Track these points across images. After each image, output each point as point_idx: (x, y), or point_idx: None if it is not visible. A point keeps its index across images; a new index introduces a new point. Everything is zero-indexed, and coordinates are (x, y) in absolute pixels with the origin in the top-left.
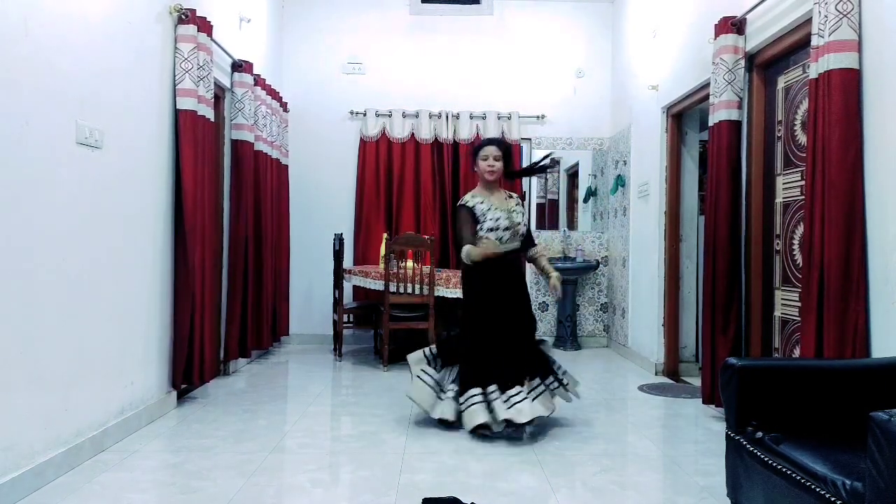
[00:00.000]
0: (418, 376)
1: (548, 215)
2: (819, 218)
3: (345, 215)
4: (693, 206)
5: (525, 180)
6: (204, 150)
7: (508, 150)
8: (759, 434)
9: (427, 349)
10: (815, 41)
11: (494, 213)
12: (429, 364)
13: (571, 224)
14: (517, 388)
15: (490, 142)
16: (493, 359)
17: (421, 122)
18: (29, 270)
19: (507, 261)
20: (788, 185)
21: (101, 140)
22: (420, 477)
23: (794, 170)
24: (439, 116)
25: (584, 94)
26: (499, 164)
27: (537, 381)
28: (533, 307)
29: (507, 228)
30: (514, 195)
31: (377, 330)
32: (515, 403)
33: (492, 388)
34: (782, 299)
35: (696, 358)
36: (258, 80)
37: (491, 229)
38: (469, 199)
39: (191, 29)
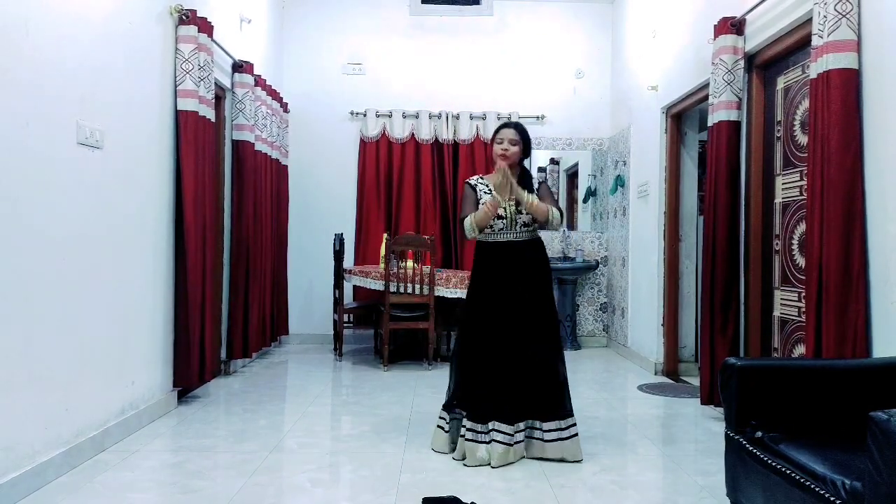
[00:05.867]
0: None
1: None
2: (819, 217)
3: (345, 215)
4: (692, 206)
5: None
6: (204, 151)
7: (526, 135)
8: (759, 434)
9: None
10: (814, 41)
11: (488, 198)
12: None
13: (571, 224)
14: (502, 426)
15: (507, 125)
16: (486, 384)
17: (421, 122)
18: (29, 270)
19: (512, 249)
20: (787, 186)
21: (101, 140)
22: (420, 477)
23: (793, 170)
24: (439, 117)
25: (584, 95)
26: (514, 149)
27: (532, 423)
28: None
29: (500, 217)
30: (537, 183)
31: (377, 330)
32: (491, 442)
33: (481, 423)
34: (781, 299)
35: (695, 358)
36: (259, 81)
37: None
38: (475, 178)
39: (191, 30)
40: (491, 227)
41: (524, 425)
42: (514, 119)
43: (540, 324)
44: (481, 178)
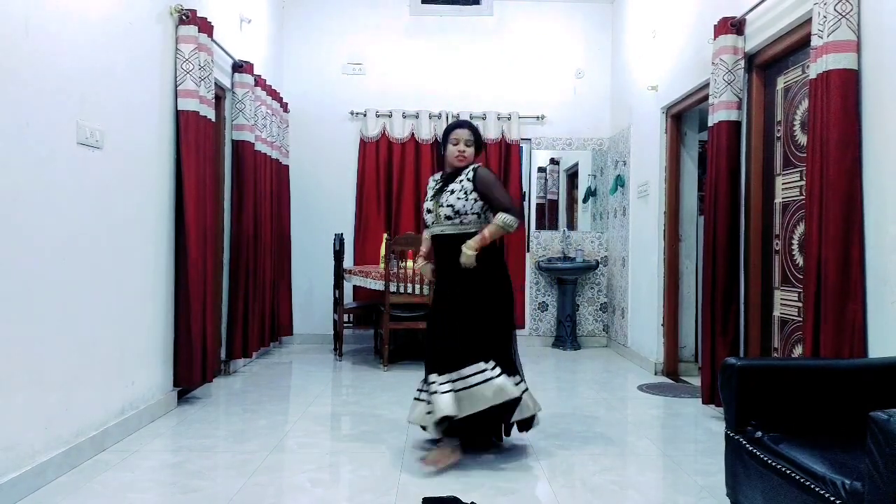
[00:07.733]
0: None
1: (548, 215)
2: (817, 218)
3: (345, 215)
4: (692, 206)
5: (525, 180)
6: (205, 151)
7: (479, 137)
8: (759, 434)
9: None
10: (814, 41)
11: (429, 195)
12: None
13: (571, 224)
14: (434, 377)
15: (462, 124)
16: (427, 345)
17: (421, 122)
18: (30, 270)
19: (441, 241)
20: (787, 186)
21: (101, 140)
22: (420, 477)
23: (793, 170)
24: (439, 117)
25: (584, 95)
26: (470, 150)
27: (469, 370)
28: (497, 302)
29: (429, 211)
30: (470, 171)
31: (377, 330)
32: (433, 394)
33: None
34: (781, 299)
35: (695, 358)
36: (258, 81)
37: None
38: (437, 175)
39: (191, 30)
40: (425, 221)
41: (469, 371)
42: (513, 118)
43: (470, 306)
44: (439, 175)
